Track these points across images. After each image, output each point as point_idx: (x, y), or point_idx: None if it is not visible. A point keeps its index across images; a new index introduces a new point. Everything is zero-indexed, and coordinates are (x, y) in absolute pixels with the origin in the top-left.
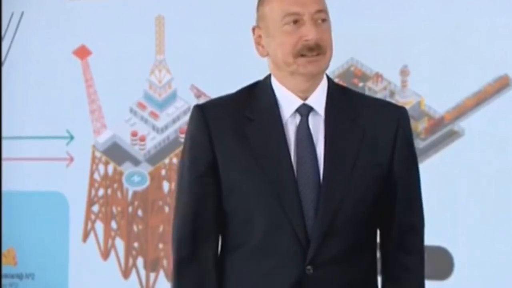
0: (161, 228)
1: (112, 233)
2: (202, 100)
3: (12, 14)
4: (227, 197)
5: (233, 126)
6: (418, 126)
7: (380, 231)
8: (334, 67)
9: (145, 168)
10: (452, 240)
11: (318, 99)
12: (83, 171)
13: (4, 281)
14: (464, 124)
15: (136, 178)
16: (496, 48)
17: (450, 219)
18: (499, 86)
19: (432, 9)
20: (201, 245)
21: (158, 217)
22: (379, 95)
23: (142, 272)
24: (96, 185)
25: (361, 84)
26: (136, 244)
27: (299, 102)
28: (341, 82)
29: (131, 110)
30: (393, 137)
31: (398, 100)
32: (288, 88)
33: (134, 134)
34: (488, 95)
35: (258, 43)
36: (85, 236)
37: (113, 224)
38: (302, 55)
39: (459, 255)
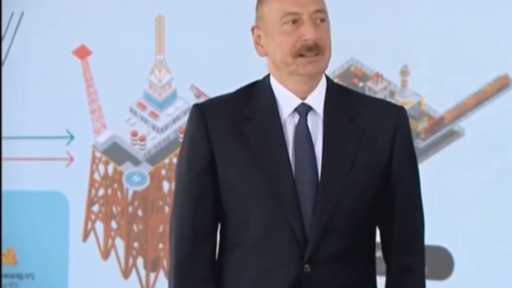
0: (161, 228)
1: (112, 233)
2: (202, 100)
3: (12, 14)
4: (225, 196)
5: (232, 125)
6: (418, 126)
7: (380, 231)
8: (334, 67)
9: (145, 168)
10: (452, 240)
11: (317, 99)
12: (83, 171)
13: (4, 281)
14: (464, 124)
15: (136, 178)
16: (496, 48)
17: (450, 219)
18: (499, 86)
19: (432, 9)
20: (199, 244)
21: (158, 217)
22: (379, 95)
23: (142, 272)
24: (96, 185)
25: (361, 84)
26: (136, 244)
27: (298, 101)
28: (341, 82)
29: (131, 110)
30: (392, 137)
31: (398, 100)
32: (287, 88)
33: (134, 134)
34: (488, 95)
35: (257, 43)
36: (85, 236)
37: (113, 224)
38: (301, 55)
39: (459, 255)
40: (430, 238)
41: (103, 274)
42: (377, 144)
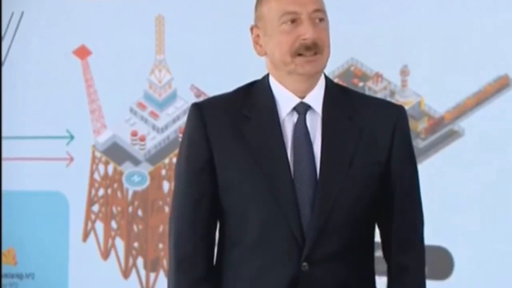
0: (161, 228)
1: (112, 233)
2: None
3: (12, 14)
4: (224, 195)
5: (231, 125)
6: (418, 126)
7: (380, 230)
8: (334, 67)
9: (145, 168)
10: (452, 240)
11: (315, 98)
12: (83, 171)
13: (4, 281)
14: (464, 124)
15: (136, 178)
16: (496, 48)
17: (450, 219)
18: (499, 86)
19: (432, 9)
20: (199, 243)
21: (158, 217)
22: (379, 95)
23: (142, 272)
24: (96, 185)
25: (361, 84)
26: (136, 244)
27: (297, 100)
28: (341, 82)
29: (131, 110)
30: (391, 136)
31: (398, 100)
32: (286, 87)
33: (134, 134)
34: (488, 95)
35: (256, 43)
36: (85, 236)
37: (113, 224)
38: (300, 54)
39: (459, 255)
40: (430, 238)
41: (103, 274)
42: (376, 144)
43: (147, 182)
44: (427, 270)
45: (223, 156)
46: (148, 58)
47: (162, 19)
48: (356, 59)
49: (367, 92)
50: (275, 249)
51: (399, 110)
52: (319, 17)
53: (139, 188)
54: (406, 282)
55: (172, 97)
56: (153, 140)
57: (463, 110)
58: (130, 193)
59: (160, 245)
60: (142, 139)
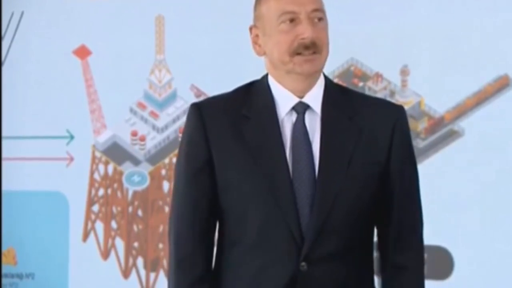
0: (161, 228)
1: (112, 233)
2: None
3: (12, 14)
4: (223, 195)
5: (230, 124)
6: (418, 126)
7: (378, 230)
8: (334, 67)
9: (145, 168)
10: (452, 240)
11: (314, 97)
12: (83, 171)
13: (4, 281)
14: (464, 124)
15: (136, 178)
16: (496, 48)
17: (450, 219)
18: (499, 86)
19: (432, 9)
20: (198, 243)
21: (158, 217)
22: (379, 95)
23: (142, 272)
24: (96, 185)
25: (361, 84)
26: (136, 244)
27: (296, 100)
28: (341, 82)
29: (131, 110)
30: (390, 136)
31: (398, 100)
32: (284, 87)
33: (134, 134)
34: (488, 95)
35: (255, 42)
36: (85, 236)
37: (113, 224)
38: (298, 54)
39: (459, 255)
40: (430, 238)
41: (103, 274)
42: (376, 144)
43: (147, 182)
44: (427, 270)
45: (222, 156)
46: (148, 58)
47: (162, 19)
48: (356, 59)
49: (367, 92)
50: (274, 249)
51: (399, 110)
52: (318, 16)
53: (139, 188)
54: (405, 282)
55: (172, 97)
56: (153, 140)
57: (463, 110)
58: (130, 193)
59: (160, 245)
60: (142, 139)
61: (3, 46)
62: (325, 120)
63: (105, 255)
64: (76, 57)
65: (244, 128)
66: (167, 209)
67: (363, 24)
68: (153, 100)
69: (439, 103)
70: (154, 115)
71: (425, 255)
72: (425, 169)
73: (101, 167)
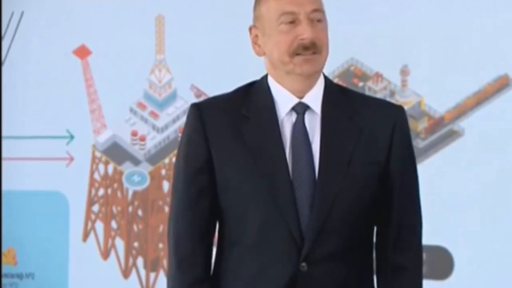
0: (161, 228)
1: (112, 233)
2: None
3: (12, 14)
4: (222, 195)
5: (230, 125)
6: (418, 126)
7: (377, 230)
8: (334, 67)
9: (145, 168)
10: (452, 240)
11: (314, 98)
12: (83, 171)
13: (4, 281)
14: (464, 124)
15: (136, 178)
16: (496, 48)
17: (450, 219)
18: (499, 86)
19: (432, 9)
20: (197, 243)
21: (158, 217)
22: (379, 95)
23: (142, 272)
24: (96, 185)
25: (361, 84)
26: (136, 244)
27: (295, 100)
28: (341, 82)
29: (131, 110)
30: (390, 136)
31: (398, 100)
32: (284, 87)
33: (134, 133)
34: (488, 95)
35: (254, 43)
36: (85, 236)
37: (113, 224)
38: (298, 54)
39: (459, 255)
40: (430, 238)
41: (103, 274)
42: (375, 144)
43: (147, 182)
44: (427, 270)
45: (221, 156)
46: (148, 58)
47: (162, 19)
48: (356, 59)
49: (367, 92)
50: (274, 249)
51: (399, 110)
52: (318, 17)
53: (139, 188)
54: (405, 282)
55: (172, 97)
56: (153, 140)
57: (463, 110)
58: (130, 193)
59: (160, 245)
60: (142, 139)
61: (3, 46)
62: (325, 120)
63: (105, 255)
64: (76, 57)
65: (244, 128)
66: (167, 209)
67: (363, 24)
68: (153, 100)
69: (439, 103)
70: (154, 115)
71: (425, 255)
72: (425, 169)
73: (101, 167)
